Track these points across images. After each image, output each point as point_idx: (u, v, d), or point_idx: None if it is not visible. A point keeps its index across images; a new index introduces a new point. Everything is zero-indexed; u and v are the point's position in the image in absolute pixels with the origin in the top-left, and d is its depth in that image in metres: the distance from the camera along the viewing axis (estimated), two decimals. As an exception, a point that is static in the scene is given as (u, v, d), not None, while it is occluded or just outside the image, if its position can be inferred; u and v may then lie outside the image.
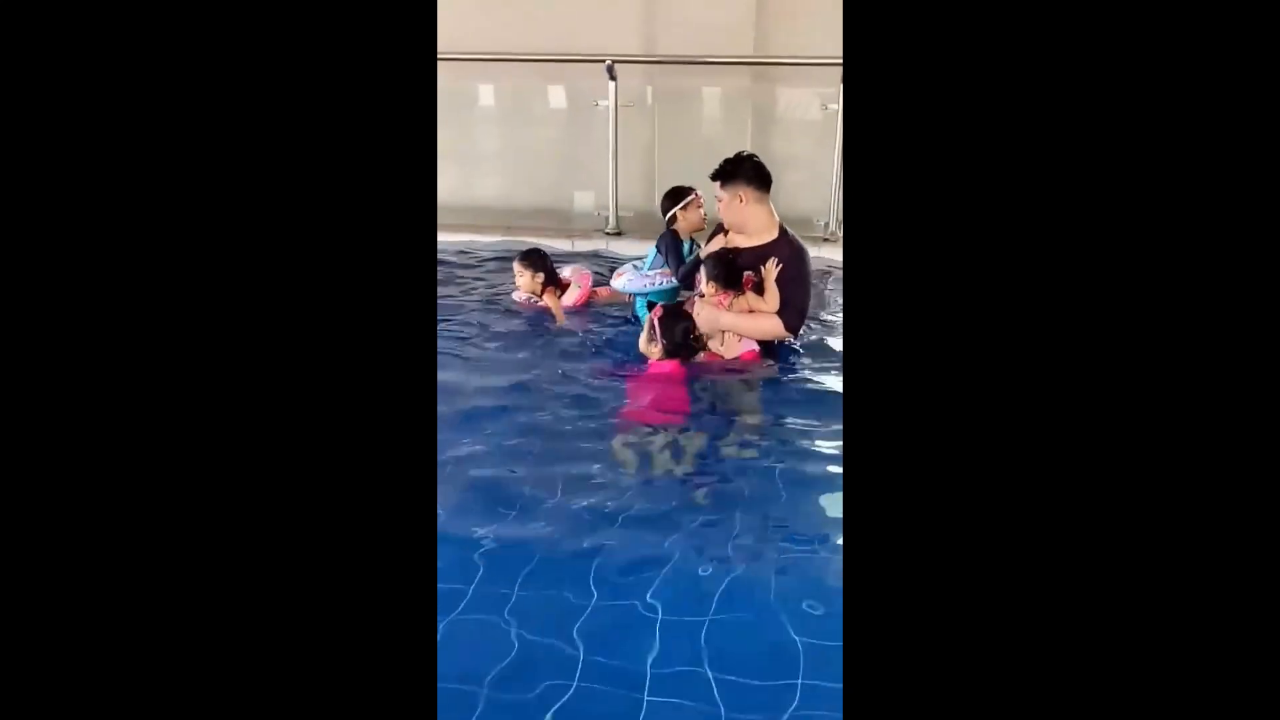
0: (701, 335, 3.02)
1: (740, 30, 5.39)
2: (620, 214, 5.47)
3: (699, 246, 3.51)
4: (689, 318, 2.98)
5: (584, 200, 5.82)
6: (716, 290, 3.07)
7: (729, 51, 5.35)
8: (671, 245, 3.56)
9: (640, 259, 3.80)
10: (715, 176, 3.20)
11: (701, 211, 3.58)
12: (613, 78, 5.24)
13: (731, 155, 3.22)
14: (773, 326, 3.08)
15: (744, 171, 3.15)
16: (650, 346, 2.98)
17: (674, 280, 3.52)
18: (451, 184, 5.72)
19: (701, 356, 3.04)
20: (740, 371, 3.06)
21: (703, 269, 3.14)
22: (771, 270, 3.06)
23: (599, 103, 5.38)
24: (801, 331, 3.21)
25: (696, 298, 3.15)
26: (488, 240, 5.15)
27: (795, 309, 3.09)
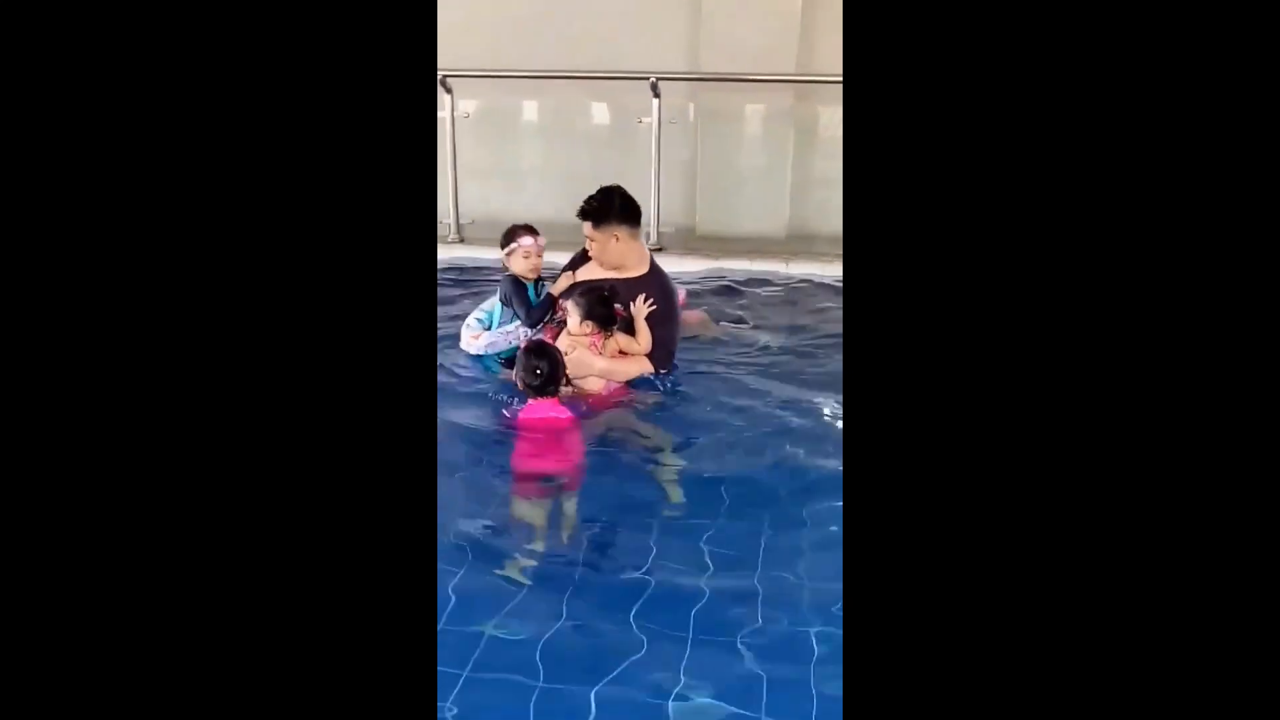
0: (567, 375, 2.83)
1: (783, 49, 5.38)
2: (661, 230, 5.47)
3: (546, 284, 3.29)
4: (555, 354, 2.75)
5: (625, 216, 5.85)
6: (592, 330, 2.93)
7: (772, 69, 5.34)
8: (515, 292, 3.21)
9: (482, 313, 3.36)
10: (585, 217, 3.06)
11: (538, 258, 3.23)
12: (656, 95, 5.25)
13: (596, 193, 3.07)
14: (642, 368, 3.00)
15: (614, 211, 3.03)
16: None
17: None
18: (495, 200, 5.77)
19: (567, 392, 2.84)
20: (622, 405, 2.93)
21: (574, 306, 2.95)
22: (643, 309, 2.97)
23: (642, 120, 5.40)
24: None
25: (565, 333, 2.99)
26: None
27: (665, 350, 3.04)
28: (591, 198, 3.07)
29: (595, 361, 2.92)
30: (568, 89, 5.79)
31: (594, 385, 2.96)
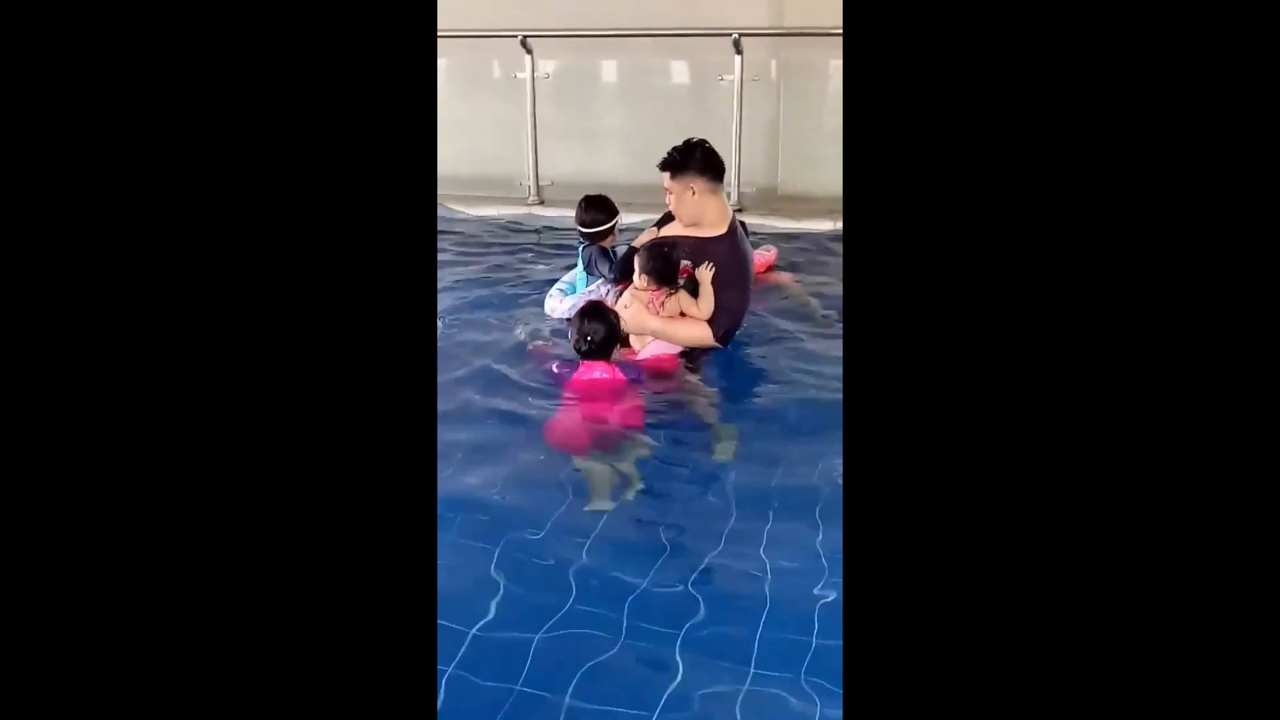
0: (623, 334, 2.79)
1: None
2: (742, 190, 5.39)
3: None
4: (610, 317, 2.71)
5: (705, 177, 5.77)
6: (650, 284, 2.84)
7: (859, 23, 5.17)
8: (600, 256, 3.30)
9: (565, 283, 3.44)
10: (664, 166, 2.95)
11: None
12: (739, 51, 5.14)
13: (680, 144, 2.98)
14: (701, 335, 2.85)
15: (694, 162, 2.91)
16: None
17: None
18: (573, 160, 5.76)
19: (617, 353, 2.77)
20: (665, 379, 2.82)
21: (636, 260, 2.90)
22: (706, 274, 2.84)
23: (723, 78, 5.29)
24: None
25: (627, 291, 2.94)
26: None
27: (728, 317, 2.86)
28: (674, 149, 2.98)
29: (649, 320, 2.83)
30: (647, 48, 5.71)
31: (646, 348, 2.87)
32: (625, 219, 3.37)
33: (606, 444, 2.48)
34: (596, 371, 2.67)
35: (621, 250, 3.30)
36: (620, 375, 2.68)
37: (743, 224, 3.98)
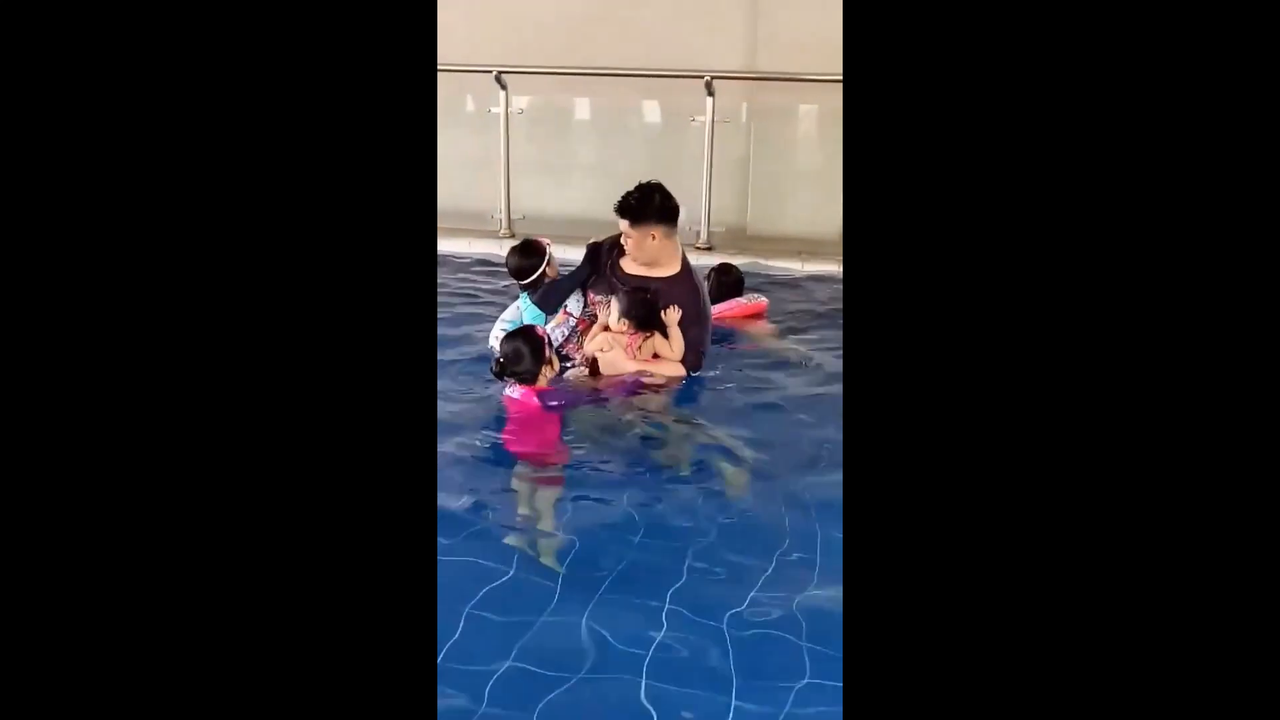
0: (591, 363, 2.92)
1: (839, 48, 5.31)
2: (712, 229, 5.45)
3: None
4: (527, 342, 2.70)
5: (675, 215, 5.83)
6: (629, 329, 2.94)
7: (827, 69, 5.27)
8: (550, 291, 3.22)
9: (507, 322, 3.30)
10: (623, 214, 3.00)
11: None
12: (711, 93, 5.23)
13: (635, 190, 3.02)
14: (675, 371, 3.00)
15: (652, 210, 2.98)
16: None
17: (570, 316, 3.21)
18: (545, 195, 5.80)
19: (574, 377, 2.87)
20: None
21: (615, 303, 2.97)
22: (674, 316, 2.96)
23: (695, 119, 5.37)
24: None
25: (604, 335, 2.99)
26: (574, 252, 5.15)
27: (696, 352, 3.04)
28: (630, 194, 3.02)
29: (628, 364, 2.93)
30: (622, 87, 5.79)
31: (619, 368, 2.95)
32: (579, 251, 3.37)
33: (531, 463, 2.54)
34: (517, 394, 2.70)
35: (566, 273, 3.28)
36: (533, 402, 2.68)
37: (730, 265, 4.06)
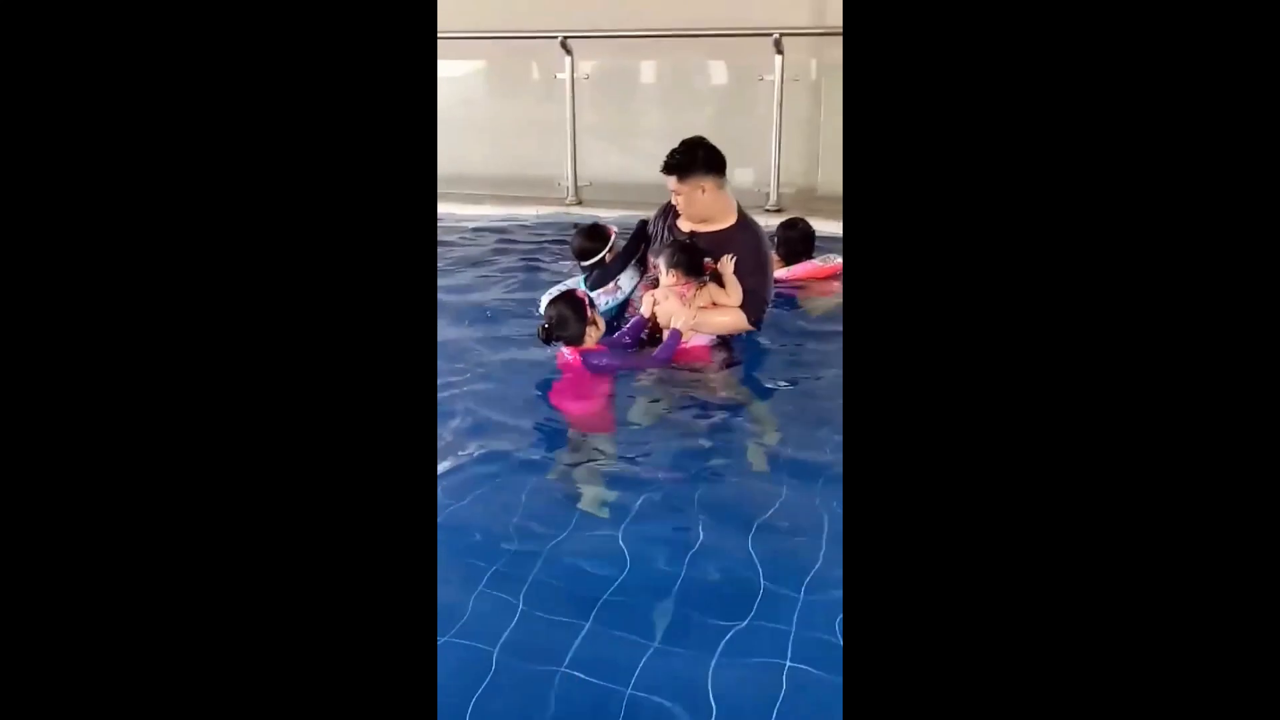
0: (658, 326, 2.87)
1: None
2: (781, 190, 5.36)
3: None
4: (567, 304, 2.73)
5: (744, 177, 5.72)
6: (678, 279, 2.89)
7: (901, 22, 5.12)
8: (604, 274, 3.21)
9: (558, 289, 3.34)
10: (669, 171, 2.95)
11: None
12: (779, 51, 5.11)
13: (678, 146, 2.97)
14: (736, 321, 2.94)
15: (699, 162, 2.93)
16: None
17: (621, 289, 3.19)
18: (611, 160, 5.76)
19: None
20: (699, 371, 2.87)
21: (662, 257, 2.93)
22: (729, 264, 2.90)
23: (763, 78, 5.27)
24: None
25: (658, 289, 2.97)
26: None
27: (758, 300, 2.95)
28: (674, 151, 2.98)
29: (683, 312, 2.87)
30: (687, 48, 5.71)
31: (687, 336, 2.91)
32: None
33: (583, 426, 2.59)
34: (566, 354, 2.75)
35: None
36: (577, 362, 2.72)
37: (797, 219, 3.95)
